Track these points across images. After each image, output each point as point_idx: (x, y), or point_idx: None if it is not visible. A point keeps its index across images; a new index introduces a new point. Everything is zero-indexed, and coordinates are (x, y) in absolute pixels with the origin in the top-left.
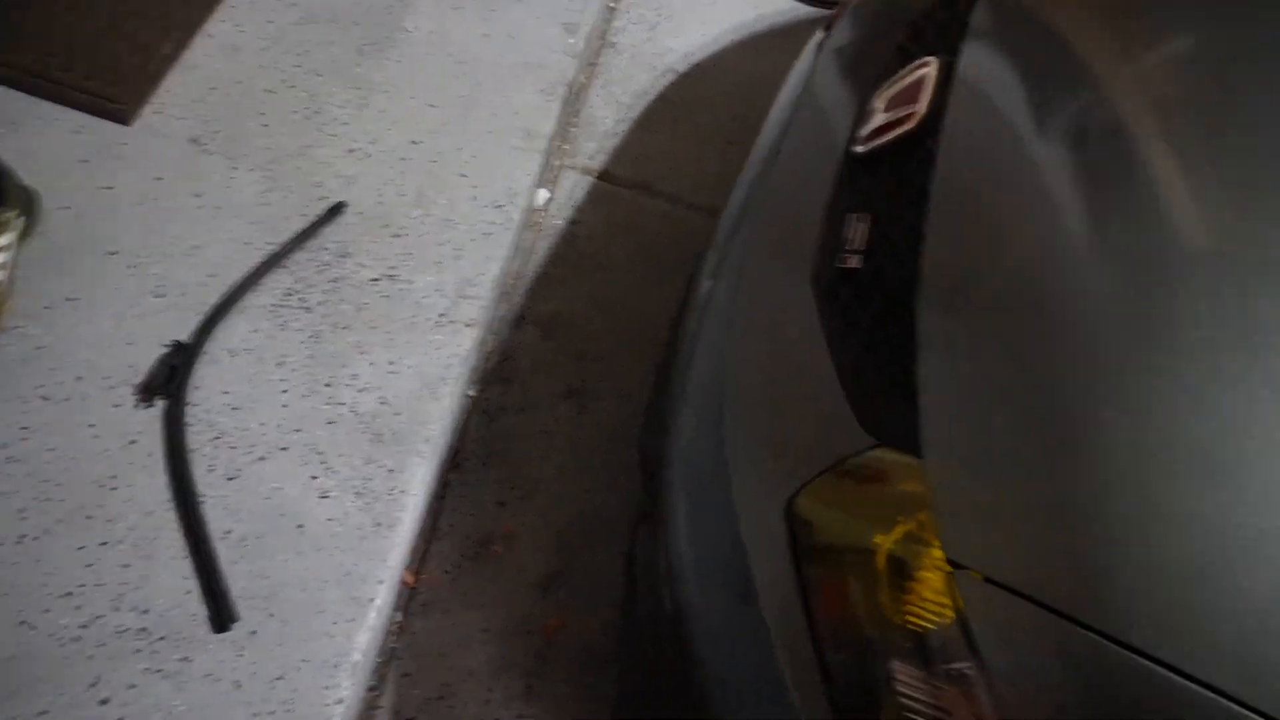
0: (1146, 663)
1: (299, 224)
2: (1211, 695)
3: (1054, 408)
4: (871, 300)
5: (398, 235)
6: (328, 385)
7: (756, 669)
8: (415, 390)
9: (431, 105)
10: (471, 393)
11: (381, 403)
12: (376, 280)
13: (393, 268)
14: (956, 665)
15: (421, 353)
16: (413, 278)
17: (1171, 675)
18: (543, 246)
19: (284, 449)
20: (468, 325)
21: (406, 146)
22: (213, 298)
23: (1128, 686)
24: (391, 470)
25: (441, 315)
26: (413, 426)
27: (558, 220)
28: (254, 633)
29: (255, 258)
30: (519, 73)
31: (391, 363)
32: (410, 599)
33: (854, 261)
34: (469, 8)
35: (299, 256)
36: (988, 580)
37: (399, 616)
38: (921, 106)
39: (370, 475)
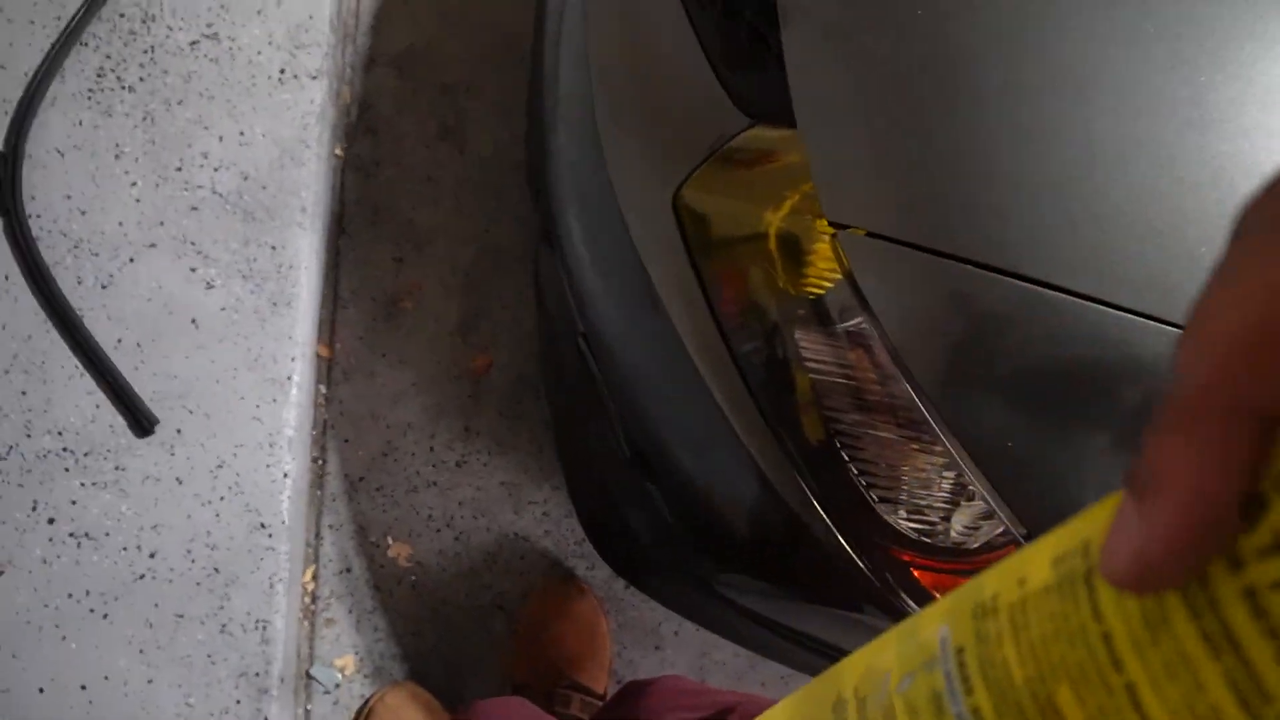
0: (1021, 283)
1: None
2: (1084, 302)
3: (917, 51)
4: None
5: None
6: (179, 169)
7: (671, 369)
8: (276, 158)
9: None
10: (339, 151)
11: (244, 178)
12: (196, 42)
13: (209, 25)
14: (852, 323)
15: (271, 116)
16: (235, 34)
17: (1044, 290)
18: None
19: (152, 245)
20: (313, 77)
21: None
22: (14, 94)
23: (1007, 307)
24: (274, 247)
25: (282, 71)
26: (284, 197)
27: None
28: (179, 431)
29: (46, 38)
30: None
31: (242, 133)
32: (330, 369)
33: None
34: None
35: (97, 29)
36: (870, 235)
37: (323, 389)
38: None
39: (253, 256)
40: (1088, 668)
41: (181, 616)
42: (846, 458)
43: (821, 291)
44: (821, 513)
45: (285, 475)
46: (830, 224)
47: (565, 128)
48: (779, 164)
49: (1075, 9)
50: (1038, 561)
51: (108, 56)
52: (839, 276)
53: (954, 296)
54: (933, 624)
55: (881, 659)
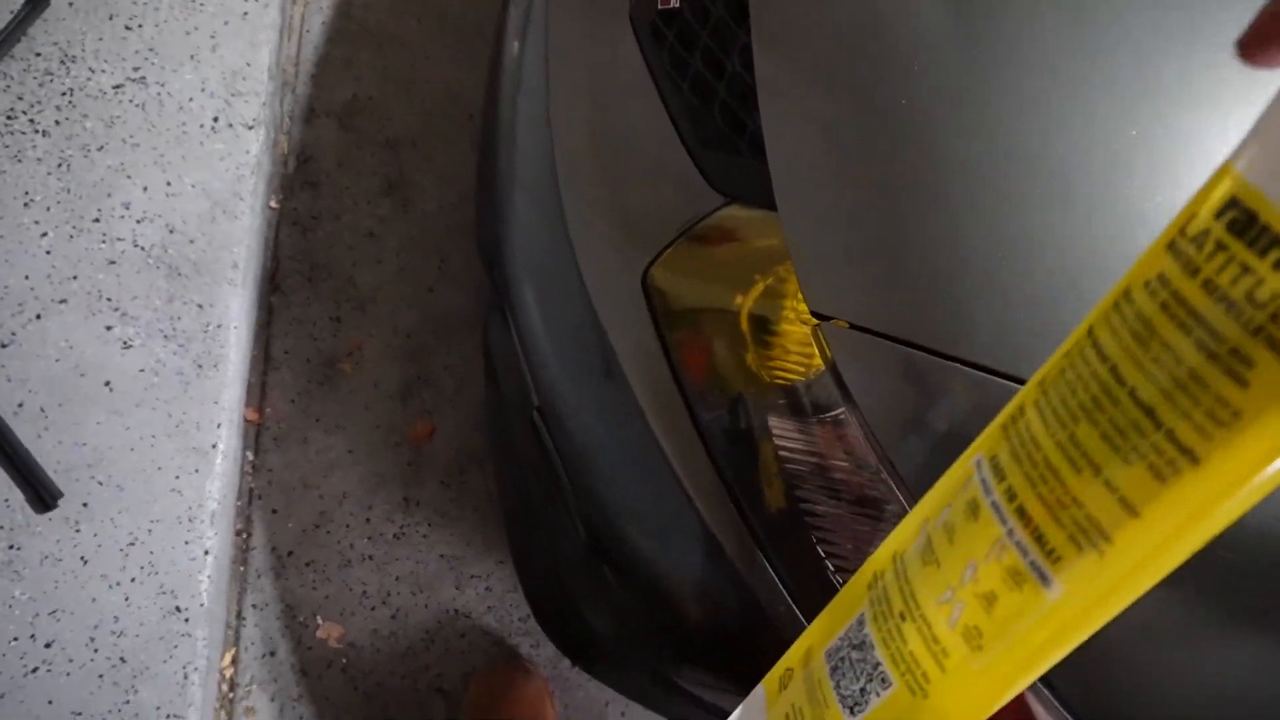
0: (1007, 382)
1: None
2: None
3: (898, 145)
4: (701, 43)
5: (130, 27)
6: (96, 220)
7: (634, 448)
8: (206, 211)
9: None
10: (274, 204)
11: (170, 231)
12: (120, 86)
13: (136, 69)
14: (832, 414)
15: (203, 166)
16: (165, 79)
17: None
18: (316, 23)
19: (63, 301)
20: (249, 127)
21: None
22: None
23: (991, 404)
24: (201, 305)
25: (215, 119)
26: (214, 252)
27: None
28: (86, 505)
29: None
30: None
31: (169, 184)
32: (259, 436)
33: (674, 0)
34: None
35: (8, 67)
36: (853, 327)
37: (251, 456)
38: None
39: (177, 314)
40: (1099, 396)
41: (80, 715)
42: (818, 546)
43: (797, 378)
44: (791, 603)
45: (206, 552)
46: (813, 314)
47: (522, 193)
48: (752, 245)
49: (1066, 114)
50: (1051, 362)
51: (20, 98)
52: (818, 365)
53: (938, 392)
54: (964, 462)
55: (914, 519)
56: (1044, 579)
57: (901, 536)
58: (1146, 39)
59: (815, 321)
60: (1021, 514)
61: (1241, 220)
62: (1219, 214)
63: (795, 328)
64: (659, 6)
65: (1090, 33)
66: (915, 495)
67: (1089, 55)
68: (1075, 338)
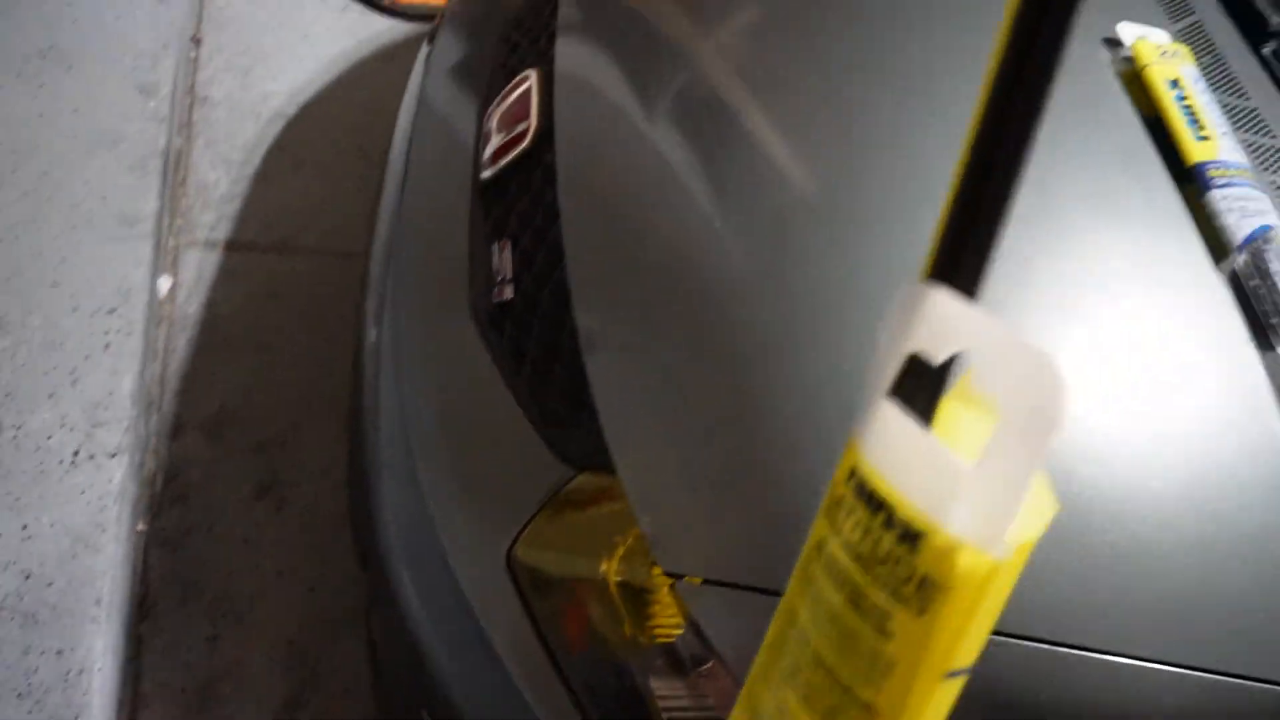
0: None
1: None
2: None
3: (720, 391)
4: (533, 327)
5: None
6: None
7: None
8: (66, 550)
9: None
10: (141, 526)
11: (25, 577)
12: None
13: None
14: (704, 668)
15: (62, 504)
16: (22, 420)
17: None
18: (181, 340)
19: None
20: (112, 455)
21: None
22: None
23: None
24: (61, 651)
25: (75, 454)
26: (74, 591)
27: (190, 307)
28: None
29: None
30: (96, 150)
31: (25, 526)
32: None
33: (508, 292)
34: (14, 89)
35: None
36: (706, 582)
37: None
38: (532, 121)
39: (33, 666)
40: (796, 658)
41: None
42: None
43: (670, 639)
44: None
45: None
46: (665, 573)
47: (388, 474)
48: (608, 510)
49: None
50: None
51: None
52: (683, 623)
53: None
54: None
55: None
56: None
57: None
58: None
59: (670, 580)
60: None
61: (860, 486)
62: (847, 481)
63: (660, 589)
64: (494, 299)
65: (883, 267)
66: None
67: (889, 288)
68: (785, 599)
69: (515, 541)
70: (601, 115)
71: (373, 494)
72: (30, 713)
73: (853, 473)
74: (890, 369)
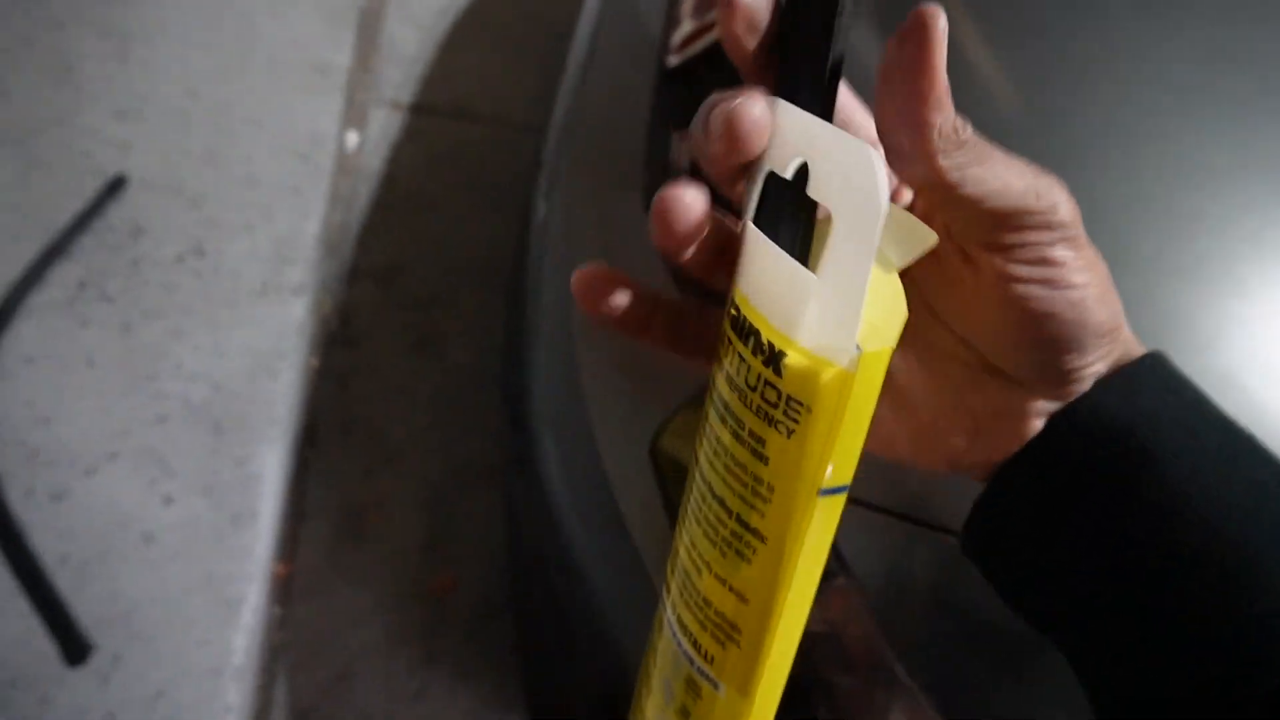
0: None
1: (75, 204)
2: None
3: None
4: None
5: (195, 203)
6: (150, 379)
7: (640, 600)
8: (250, 369)
9: (202, 48)
10: (315, 361)
11: (215, 389)
12: (181, 256)
13: (197, 240)
14: (835, 582)
15: (250, 328)
16: (222, 247)
17: None
18: (363, 191)
19: (113, 456)
20: (295, 291)
21: (183, 99)
22: None
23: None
24: (240, 459)
25: (264, 284)
26: (255, 409)
27: (374, 161)
28: (118, 657)
29: (29, 250)
30: (297, 0)
31: (218, 344)
32: (287, 588)
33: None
34: None
35: (85, 241)
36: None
37: (278, 610)
38: None
39: (217, 469)
40: (699, 499)
41: None
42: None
43: None
44: None
45: (229, 709)
46: None
47: (544, 346)
48: None
49: None
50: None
51: (91, 269)
52: None
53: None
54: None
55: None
56: (712, 683)
57: (646, 663)
58: None
59: None
60: (683, 627)
61: (734, 317)
62: (726, 315)
63: None
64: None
65: None
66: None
67: None
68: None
69: (663, 429)
70: None
71: (528, 363)
72: (213, 508)
73: (731, 303)
74: (754, 193)
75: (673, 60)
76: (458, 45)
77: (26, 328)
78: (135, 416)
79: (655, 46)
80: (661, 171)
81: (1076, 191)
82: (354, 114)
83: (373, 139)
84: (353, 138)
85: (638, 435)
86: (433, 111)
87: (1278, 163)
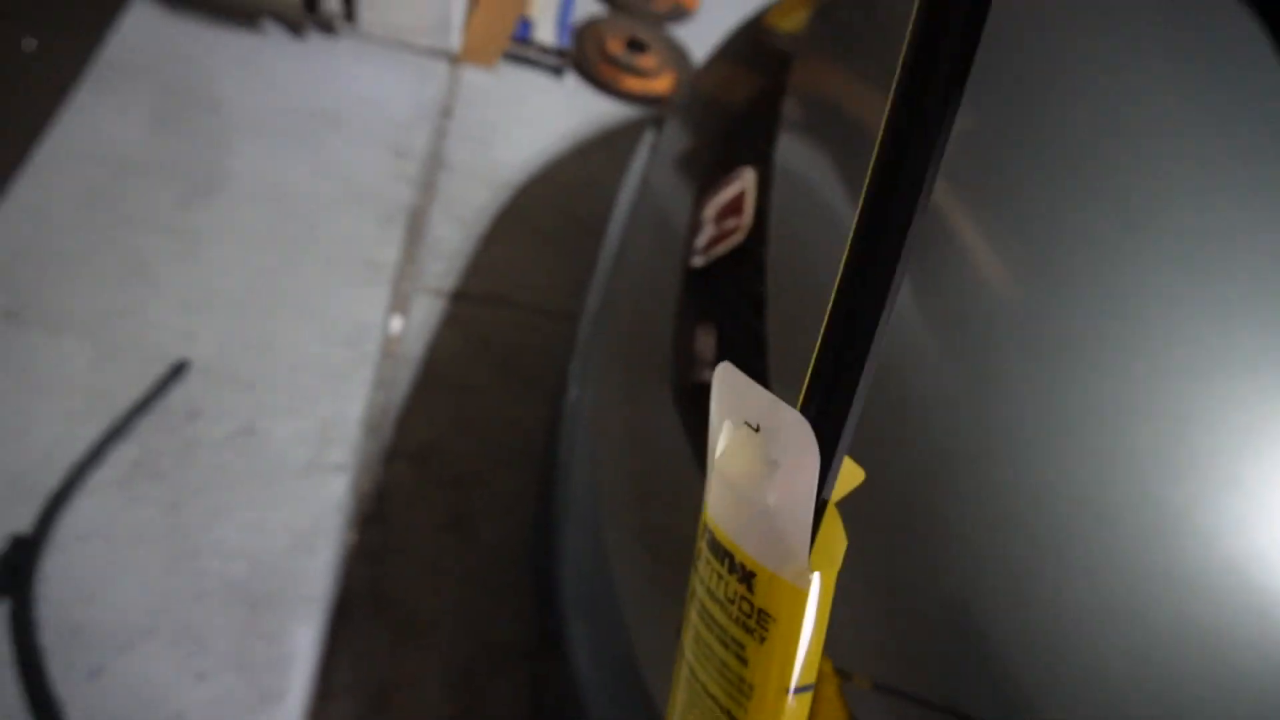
0: None
1: (139, 389)
2: None
3: (910, 500)
4: None
5: (249, 387)
6: (193, 557)
7: None
8: (288, 547)
9: (265, 248)
10: (351, 538)
11: (254, 565)
12: (232, 437)
13: (248, 421)
14: None
15: (290, 506)
16: (271, 429)
17: None
18: (404, 375)
19: (150, 632)
20: (336, 470)
21: (244, 293)
22: (51, 482)
23: None
24: (273, 636)
25: (308, 464)
26: (290, 586)
27: (415, 346)
28: None
29: (93, 431)
30: (353, 204)
31: (261, 521)
32: None
33: (708, 375)
34: (290, 145)
35: (145, 422)
36: (875, 687)
37: None
38: (746, 219)
39: (250, 646)
40: (689, 693)
41: None
42: None
43: None
44: None
45: None
46: (835, 670)
47: (574, 527)
48: None
49: (1094, 472)
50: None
51: (146, 449)
52: None
53: None
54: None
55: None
56: None
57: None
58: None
59: (839, 679)
60: None
61: (711, 540)
62: (702, 536)
63: (826, 684)
64: (693, 379)
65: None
66: None
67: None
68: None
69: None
70: (814, 220)
71: (557, 542)
72: (245, 685)
73: (705, 528)
74: (718, 439)
75: (698, 261)
76: (495, 238)
77: (85, 505)
78: (175, 593)
79: (681, 245)
80: (687, 363)
81: (1075, 391)
82: (398, 301)
83: (415, 324)
84: (396, 323)
85: (667, 617)
86: (471, 299)
87: (1269, 360)
